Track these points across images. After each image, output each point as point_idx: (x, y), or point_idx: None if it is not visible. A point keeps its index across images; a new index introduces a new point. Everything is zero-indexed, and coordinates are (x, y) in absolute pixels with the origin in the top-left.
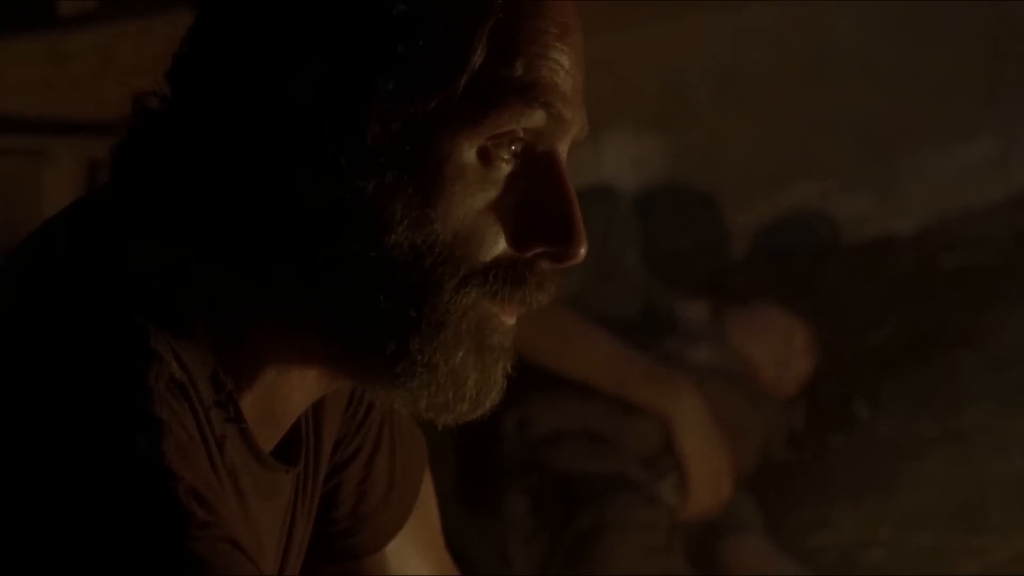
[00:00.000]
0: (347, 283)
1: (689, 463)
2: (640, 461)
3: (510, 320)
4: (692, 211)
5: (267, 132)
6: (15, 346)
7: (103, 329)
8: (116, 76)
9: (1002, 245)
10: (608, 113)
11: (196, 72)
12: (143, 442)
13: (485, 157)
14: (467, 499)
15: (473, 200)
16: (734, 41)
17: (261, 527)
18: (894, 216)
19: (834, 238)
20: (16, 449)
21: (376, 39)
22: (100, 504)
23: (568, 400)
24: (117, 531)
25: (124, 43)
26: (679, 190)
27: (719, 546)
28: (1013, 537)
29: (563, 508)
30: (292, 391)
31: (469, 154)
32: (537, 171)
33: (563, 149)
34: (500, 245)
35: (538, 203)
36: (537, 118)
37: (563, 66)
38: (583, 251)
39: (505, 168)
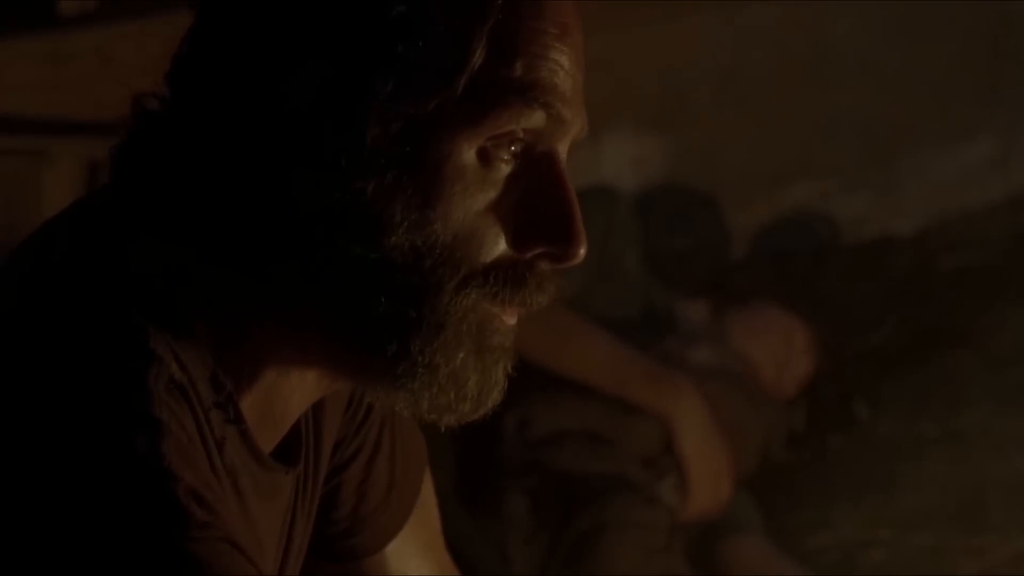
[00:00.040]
0: (347, 284)
1: (689, 463)
2: (640, 461)
3: (510, 320)
4: (692, 211)
5: (266, 133)
6: (15, 347)
7: (103, 330)
8: (116, 76)
9: (1002, 245)
10: (608, 113)
11: (195, 73)
12: (143, 443)
13: (485, 158)
14: (467, 499)
15: (473, 201)
16: (734, 41)
17: (261, 528)
18: (894, 216)
19: (834, 238)
20: (16, 450)
21: (375, 40)
22: (100, 505)
23: (568, 400)
24: (117, 532)
25: (124, 43)
26: (679, 190)
27: (719, 546)
28: (1013, 537)
29: (563, 508)
30: (292, 392)
31: (469, 155)
32: (537, 171)
33: (563, 149)
34: (500, 246)
35: (538, 203)
36: (537, 118)
37: (563, 66)
38: (583, 251)
39: (505, 169)
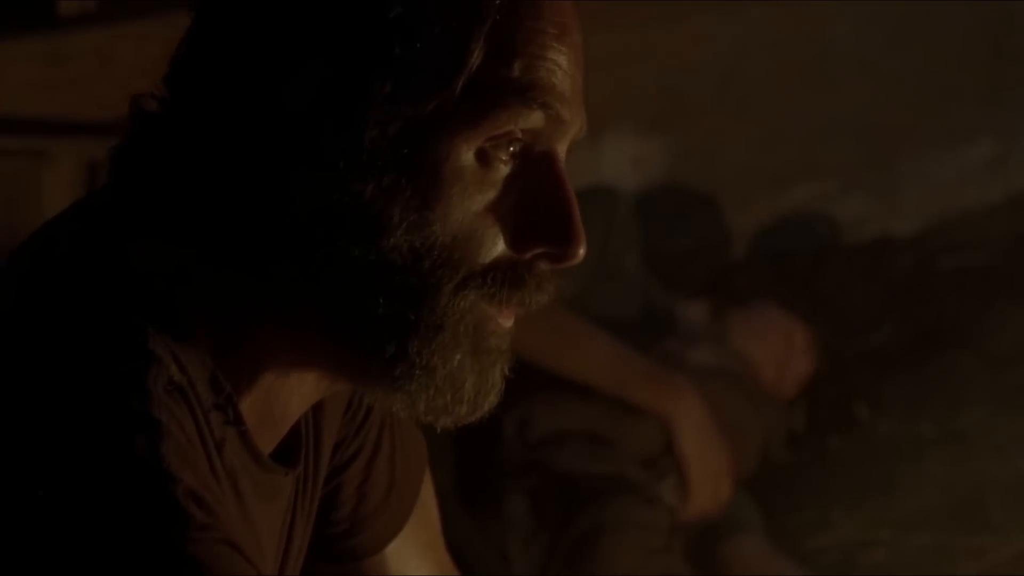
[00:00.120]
0: (346, 285)
1: (689, 464)
2: (640, 462)
3: (507, 323)
4: (692, 212)
5: (265, 134)
6: (14, 348)
7: (102, 331)
8: (116, 77)
9: (1002, 246)
10: (608, 114)
11: (194, 74)
12: (142, 444)
13: (483, 158)
14: (467, 499)
15: (471, 202)
16: (734, 42)
17: (260, 529)
18: (894, 217)
19: (834, 239)
20: (15, 451)
21: (373, 41)
22: (99, 506)
23: (568, 401)
24: (116, 533)
25: (124, 44)
26: (679, 191)
27: (719, 547)
28: (1013, 538)
29: (563, 509)
30: (291, 394)
31: (467, 156)
32: (536, 172)
33: (562, 149)
34: (499, 246)
35: (537, 204)
36: (535, 119)
37: (561, 66)
38: (582, 251)
39: (503, 169)
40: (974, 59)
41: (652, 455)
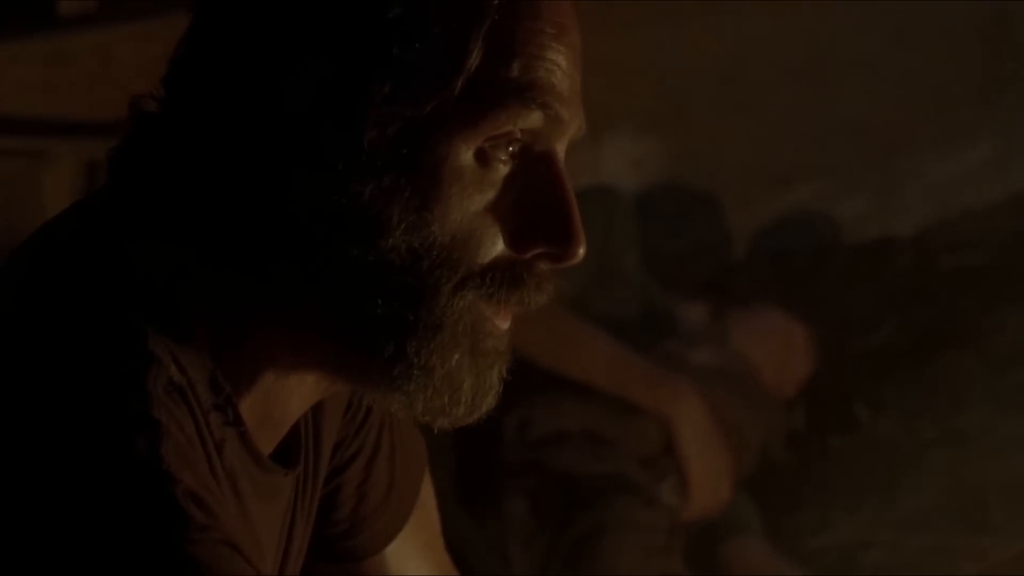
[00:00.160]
0: (345, 286)
1: (689, 464)
2: (640, 462)
3: (504, 324)
4: (692, 212)
5: (264, 135)
6: (14, 348)
7: (102, 332)
8: (116, 77)
9: (1002, 245)
10: (608, 114)
11: (193, 75)
12: (142, 445)
13: (482, 159)
14: (467, 500)
15: (470, 202)
16: (734, 42)
17: (260, 529)
18: (894, 217)
19: (834, 239)
20: (14, 452)
21: (372, 42)
22: (98, 507)
23: (568, 401)
24: (116, 534)
25: (124, 44)
26: (679, 191)
27: (719, 548)
28: (1014, 538)
29: (563, 509)
30: (291, 394)
31: (466, 156)
32: (535, 172)
33: (561, 149)
34: (498, 246)
35: (536, 203)
36: (534, 119)
37: (560, 66)
38: (582, 251)
39: (503, 169)
40: (974, 59)
41: (652, 455)
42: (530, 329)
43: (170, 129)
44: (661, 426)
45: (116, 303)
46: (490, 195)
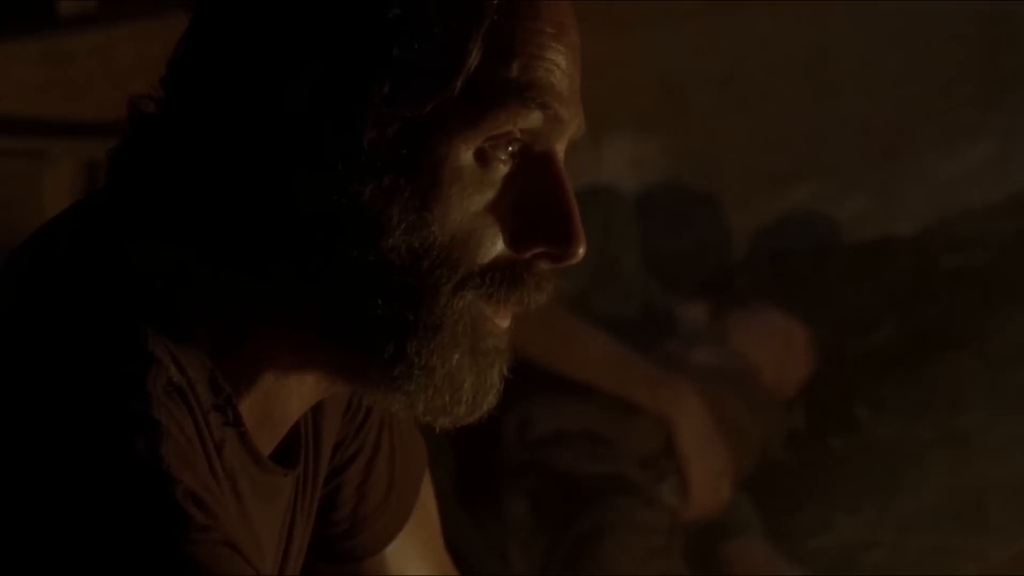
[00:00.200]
0: (345, 286)
1: (689, 464)
2: (640, 462)
3: (504, 323)
4: (692, 212)
5: (264, 135)
6: (14, 349)
7: (102, 332)
8: (116, 77)
9: (1003, 245)
10: (608, 114)
11: (192, 75)
12: (141, 445)
13: (482, 158)
14: (467, 500)
15: (470, 202)
16: (735, 42)
17: (260, 530)
18: (894, 217)
19: (834, 239)
20: (14, 453)
21: (371, 43)
22: (98, 507)
23: (568, 401)
24: (115, 534)
25: (124, 44)
26: (679, 191)
27: (719, 548)
28: (1014, 538)
29: (563, 509)
30: (291, 395)
31: (466, 156)
32: (535, 171)
33: (560, 149)
34: (498, 246)
35: (536, 203)
36: (534, 119)
37: (559, 66)
38: (582, 251)
39: (502, 169)
40: (974, 59)
41: (652, 455)
42: (530, 329)
43: (170, 129)
44: (661, 426)
45: (116, 303)
46: (490, 195)
